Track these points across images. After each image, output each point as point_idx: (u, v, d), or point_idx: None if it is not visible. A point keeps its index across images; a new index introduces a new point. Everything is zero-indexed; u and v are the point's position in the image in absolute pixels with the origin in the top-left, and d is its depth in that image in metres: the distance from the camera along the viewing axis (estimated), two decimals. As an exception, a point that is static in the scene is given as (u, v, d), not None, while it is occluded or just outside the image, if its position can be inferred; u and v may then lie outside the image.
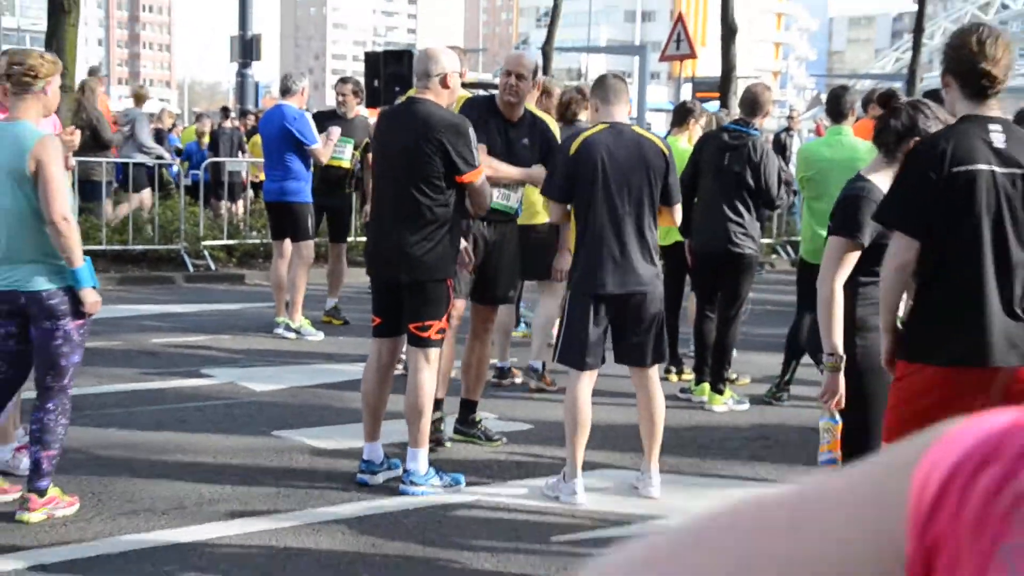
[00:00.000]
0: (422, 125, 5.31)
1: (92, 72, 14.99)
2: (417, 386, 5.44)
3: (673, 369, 8.15)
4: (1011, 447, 0.60)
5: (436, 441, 6.09)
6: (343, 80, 10.04)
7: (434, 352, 5.49)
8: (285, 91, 9.35)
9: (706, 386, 7.50)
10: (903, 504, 0.62)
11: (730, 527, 0.68)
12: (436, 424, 6.22)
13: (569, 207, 5.48)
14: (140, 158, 13.87)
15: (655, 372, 5.58)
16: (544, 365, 7.74)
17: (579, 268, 5.40)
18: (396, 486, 5.45)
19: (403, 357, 6.40)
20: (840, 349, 3.90)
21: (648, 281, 5.39)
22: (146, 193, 13.94)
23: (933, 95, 6.41)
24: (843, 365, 4.02)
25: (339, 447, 6.14)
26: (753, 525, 0.67)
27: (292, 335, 9.32)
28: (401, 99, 8.28)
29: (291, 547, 4.69)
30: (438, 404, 6.20)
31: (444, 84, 5.45)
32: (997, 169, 3.62)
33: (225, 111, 18.13)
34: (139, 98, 15.24)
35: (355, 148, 9.66)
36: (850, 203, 4.14)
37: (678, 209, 5.62)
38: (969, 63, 3.67)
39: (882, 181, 4.07)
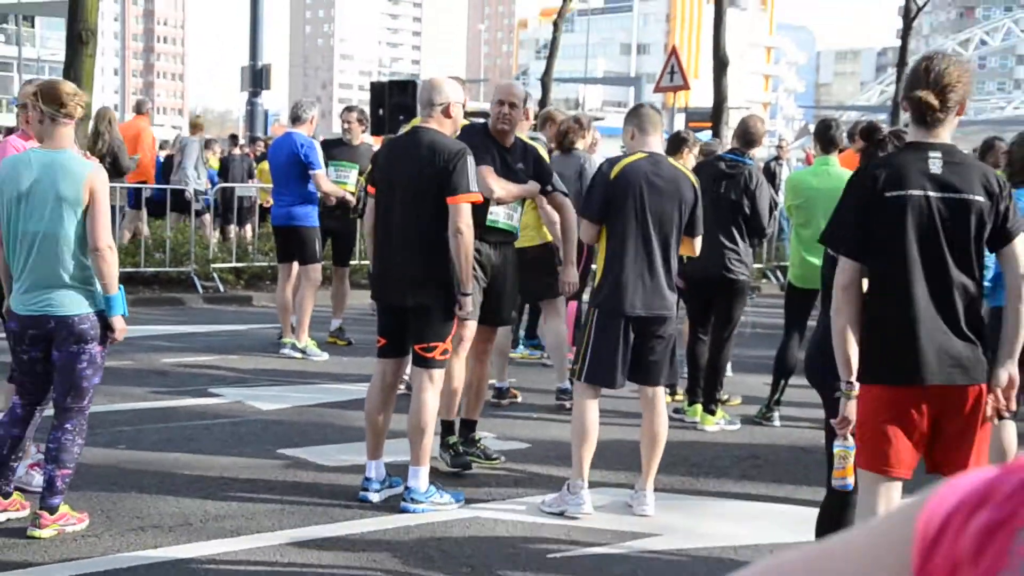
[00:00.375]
0: (427, 152, 5.49)
1: (139, 105, 15.44)
2: (421, 405, 5.59)
3: (667, 390, 8.29)
4: (1001, 491, 0.68)
5: (463, 465, 6.25)
6: (348, 109, 10.36)
7: (438, 372, 5.65)
8: (295, 119, 9.58)
9: (698, 407, 7.66)
10: (910, 547, 0.71)
11: None
12: (470, 442, 6.41)
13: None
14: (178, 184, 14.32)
15: (662, 392, 5.77)
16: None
17: (607, 288, 5.57)
18: (398, 504, 5.61)
19: (406, 377, 6.56)
20: (855, 375, 3.92)
21: (671, 306, 5.65)
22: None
23: None
24: (855, 394, 3.98)
25: (342, 465, 6.30)
26: None
27: (298, 355, 9.50)
28: (405, 128, 8.51)
29: (295, 563, 4.84)
30: (450, 426, 6.37)
31: (447, 114, 5.64)
32: (932, 194, 3.77)
33: (234, 138, 18.39)
34: (195, 127, 15.60)
35: (360, 174, 9.88)
36: None
37: (699, 241, 5.87)
38: (913, 90, 3.83)
39: None
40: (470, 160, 5.52)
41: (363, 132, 10.27)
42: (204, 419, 7.27)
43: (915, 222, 3.79)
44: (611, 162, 5.73)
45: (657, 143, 5.82)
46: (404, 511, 5.54)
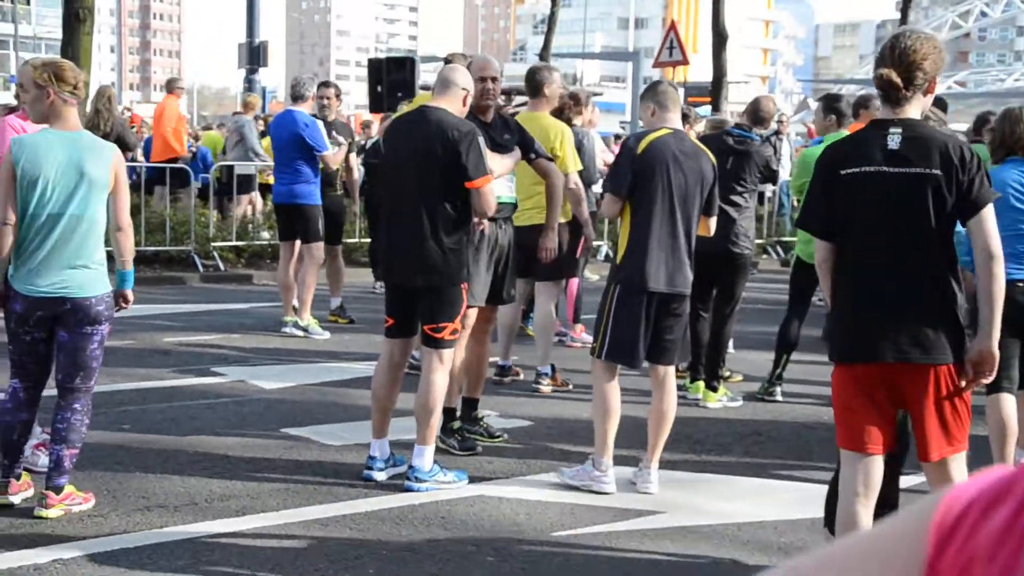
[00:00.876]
0: (435, 132, 5.46)
1: (170, 84, 15.72)
2: (429, 385, 5.60)
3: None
4: (1020, 487, 0.65)
5: (470, 448, 6.29)
6: (325, 84, 10.46)
7: (447, 353, 5.66)
8: (296, 97, 9.56)
9: (701, 384, 7.67)
10: (924, 542, 0.68)
11: None
12: (473, 421, 6.46)
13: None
14: (241, 165, 14.46)
15: (673, 371, 5.78)
16: (554, 367, 7.92)
17: (631, 264, 5.56)
18: (402, 482, 5.63)
19: (413, 358, 6.58)
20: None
21: (690, 284, 5.67)
22: (254, 196, 14.98)
23: (936, 101, 6.59)
24: None
25: (346, 443, 6.32)
26: None
27: (300, 333, 9.52)
28: (404, 105, 8.51)
29: (300, 541, 4.86)
30: (452, 412, 6.39)
31: (463, 101, 5.65)
32: (888, 169, 3.80)
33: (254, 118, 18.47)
34: (248, 106, 15.65)
35: (347, 150, 9.98)
36: None
37: (714, 221, 5.88)
38: (879, 67, 3.85)
39: None
40: (481, 141, 5.52)
41: (339, 107, 10.49)
42: (207, 399, 7.29)
43: (870, 198, 3.84)
44: (637, 137, 5.73)
45: (676, 119, 5.80)
46: (408, 490, 5.55)
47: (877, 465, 3.94)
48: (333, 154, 9.50)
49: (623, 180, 5.57)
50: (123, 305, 5.26)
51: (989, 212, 3.82)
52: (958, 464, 3.92)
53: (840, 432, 3.98)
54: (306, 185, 9.46)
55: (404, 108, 8.32)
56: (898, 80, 3.80)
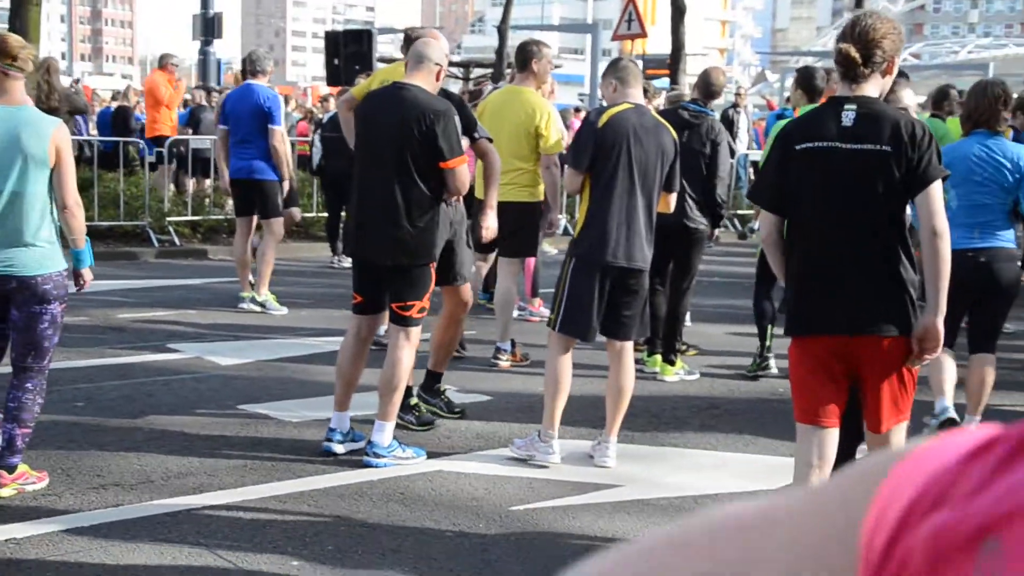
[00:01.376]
0: (410, 108, 5.40)
1: (161, 59, 15.49)
2: (395, 362, 5.59)
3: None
4: (968, 481, 0.54)
5: (428, 423, 6.31)
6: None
7: (415, 331, 5.65)
8: (255, 72, 9.44)
9: (658, 357, 7.70)
10: (855, 539, 0.57)
11: (685, 544, 0.64)
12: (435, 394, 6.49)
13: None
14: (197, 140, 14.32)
15: (631, 346, 5.79)
16: (513, 343, 7.92)
17: (590, 238, 5.55)
18: (361, 458, 5.62)
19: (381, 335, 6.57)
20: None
21: (648, 259, 5.66)
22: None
23: (900, 73, 6.66)
24: None
25: (303, 420, 6.29)
26: (708, 541, 0.64)
27: (257, 308, 9.46)
28: (362, 79, 8.46)
29: (258, 519, 4.85)
30: (408, 389, 6.40)
31: (437, 76, 5.61)
32: (840, 145, 3.86)
33: (208, 91, 18.24)
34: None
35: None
36: None
37: (673, 197, 5.86)
38: (837, 43, 3.90)
39: None
40: (457, 120, 5.49)
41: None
42: (163, 375, 7.23)
43: (821, 173, 3.90)
44: (598, 112, 5.70)
45: (638, 95, 5.79)
46: (366, 465, 5.55)
47: (832, 438, 3.99)
48: (284, 133, 9.44)
49: (584, 154, 5.55)
50: (81, 285, 5.14)
51: (936, 189, 3.86)
52: (899, 432, 4.01)
53: (796, 406, 4.03)
54: (266, 160, 9.37)
55: (362, 81, 8.27)
56: (856, 55, 3.85)
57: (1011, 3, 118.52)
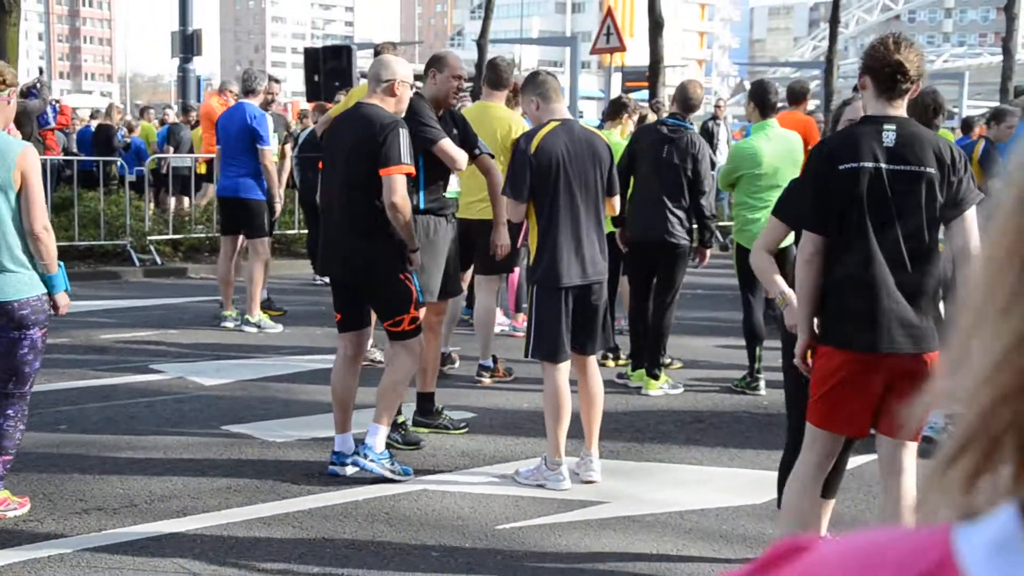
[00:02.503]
0: (363, 126, 5.49)
1: (222, 85, 15.46)
2: (396, 367, 5.64)
3: (610, 355, 8.35)
4: None
5: (415, 442, 6.29)
6: (272, 80, 10.23)
7: (415, 341, 5.68)
8: (248, 91, 9.46)
9: (642, 371, 7.71)
10: None
11: None
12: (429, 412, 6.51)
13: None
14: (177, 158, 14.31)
15: (595, 358, 5.81)
16: (495, 359, 7.91)
17: (544, 262, 5.56)
18: (342, 480, 5.60)
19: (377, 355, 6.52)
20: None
21: (604, 271, 5.68)
22: (208, 188, 14.57)
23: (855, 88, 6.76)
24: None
25: (288, 440, 6.27)
26: None
27: (253, 329, 9.43)
28: (342, 95, 8.48)
29: (242, 541, 4.82)
30: (430, 397, 6.45)
31: (390, 91, 5.64)
32: (884, 166, 3.87)
33: (186, 109, 18.21)
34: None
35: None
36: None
37: (616, 200, 5.85)
38: (884, 61, 3.87)
39: None
40: (403, 132, 5.49)
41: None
42: (146, 396, 7.19)
43: (867, 193, 3.89)
44: (527, 137, 5.67)
45: (563, 109, 5.78)
46: (355, 465, 5.58)
47: (841, 444, 4.10)
48: (272, 154, 9.46)
49: (522, 184, 5.54)
50: (57, 312, 4.98)
51: (972, 214, 3.89)
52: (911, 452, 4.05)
53: (819, 413, 4.03)
54: (253, 179, 9.38)
55: (342, 97, 8.28)
56: (910, 67, 3.86)
57: (984, 12, 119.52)
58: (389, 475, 5.58)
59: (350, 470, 5.66)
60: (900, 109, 3.93)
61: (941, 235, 4.08)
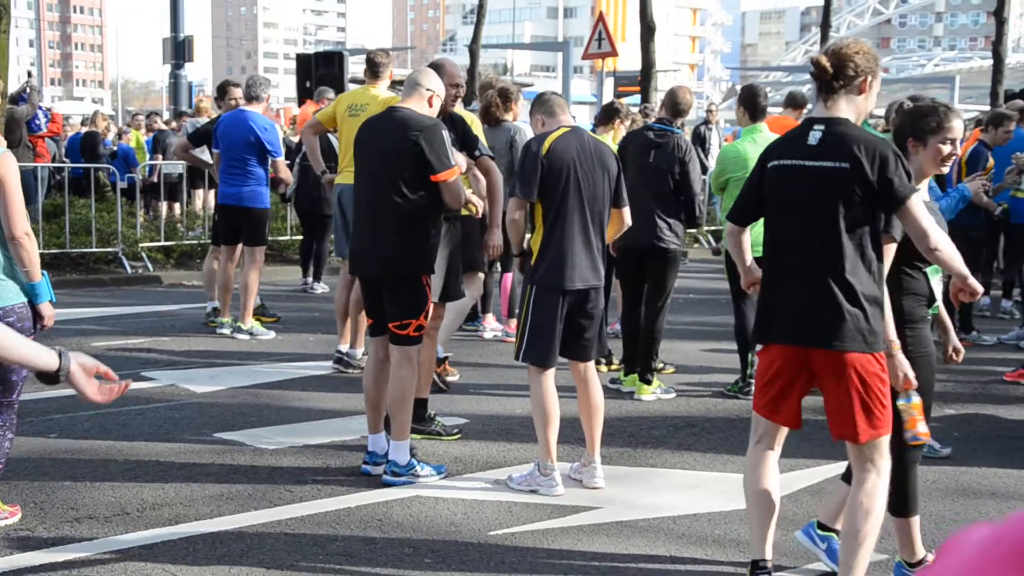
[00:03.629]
0: (399, 127, 5.56)
1: (318, 93, 15.37)
2: (397, 381, 5.66)
3: (603, 360, 8.35)
4: None
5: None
6: (234, 85, 10.16)
7: (415, 349, 5.70)
8: (251, 97, 9.45)
9: (635, 376, 7.71)
10: None
11: None
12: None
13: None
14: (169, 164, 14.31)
15: (593, 364, 5.82)
16: (447, 359, 7.92)
17: (545, 264, 5.58)
18: (338, 485, 5.59)
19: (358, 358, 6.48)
20: (894, 335, 4.16)
21: (602, 277, 5.70)
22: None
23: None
24: (898, 351, 4.21)
25: (280, 447, 6.26)
26: None
27: (245, 336, 9.42)
28: (329, 95, 8.50)
29: (234, 549, 4.81)
30: (423, 403, 6.43)
31: (430, 102, 5.74)
32: (807, 163, 4.00)
33: (179, 115, 18.19)
34: (200, 110, 15.22)
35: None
36: None
37: (627, 211, 5.90)
38: (814, 70, 4.07)
39: None
40: (446, 135, 5.59)
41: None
42: (138, 404, 7.18)
43: (785, 189, 4.06)
44: (539, 140, 5.72)
45: (569, 120, 5.88)
46: (386, 484, 5.62)
47: (777, 429, 4.32)
48: (285, 162, 9.51)
49: (532, 185, 5.58)
50: (42, 323, 4.84)
51: (912, 206, 3.92)
52: (877, 447, 4.10)
53: (756, 400, 4.31)
54: (257, 187, 9.39)
55: (341, 99, 8.26)
56: (827, 64, 3.98)
57: (975, 17, 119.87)
58: (422, 481, 5.66)
59: (381, 469, 5.73)
60: (837, 109, 4.02)
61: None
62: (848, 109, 4.02)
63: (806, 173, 3.98)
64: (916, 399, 4.22)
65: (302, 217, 12.28)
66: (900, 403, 4.19)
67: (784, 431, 4.34)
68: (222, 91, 9.94)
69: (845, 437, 4.08)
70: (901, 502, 4.42)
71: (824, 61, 3.99)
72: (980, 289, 4.17)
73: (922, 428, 4.27)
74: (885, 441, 4.09)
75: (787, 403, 4.15)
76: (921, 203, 3.97)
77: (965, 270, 4.08)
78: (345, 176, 7.90)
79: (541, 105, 5.89)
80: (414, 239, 5.58)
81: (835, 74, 3.98)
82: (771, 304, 4.12)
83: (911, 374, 4.15)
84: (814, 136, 3.99)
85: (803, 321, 3.99)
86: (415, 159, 5.50)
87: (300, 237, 12.82)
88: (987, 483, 6.00)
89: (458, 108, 6.93)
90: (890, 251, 4.17)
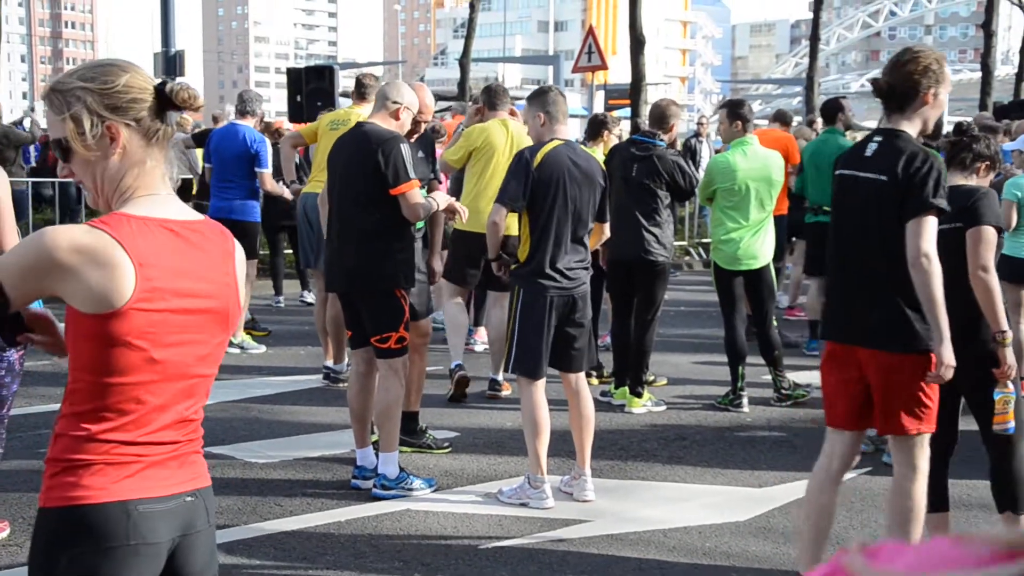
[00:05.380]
0: (361, 142, 5.61)
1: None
2: (384, 394, 5.67)
3: (594, 372, 8.34)
4: None
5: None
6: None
7: (399, 361, 5.71)
8: (244, 112, 9.47)
9: (626, 389, 7.71)
10: None
11: None
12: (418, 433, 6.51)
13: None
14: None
15: (584, 376, 5.82)
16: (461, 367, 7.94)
17: (531, 274, 5.61)
18: (327, 500, 5.58)
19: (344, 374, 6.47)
20: (1006, 325, 4.39)
21: (585, 281, 5.73)
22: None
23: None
24: (1010, 340, 4.42)
25: (270, 461, 6.25)
26: None
27: (235, 350, 9.40)
28: (325, 114, 8.55)
29: (224, 563, 4.78)
30: (413, 416, 6.45)
31: (395, 115, 5.76)
32: (861, 174, 4.16)
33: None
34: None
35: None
36: (992, 201, 4.61)
37: (607, 227, 5.99)
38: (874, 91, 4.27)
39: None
40: (404, 147, 5.59)
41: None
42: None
43: (843, 198, 4.28)
44: (532, 150, 5.74)
45: (567, 131, 5.91)
46: (376, 497, 5.62)
47: (842, 438, 4.32)
48: (271, 175, 9.51)
49: (519, 194, 5.61)
50: (33, 340, 4.89)
51: (924, 222, 4.00)
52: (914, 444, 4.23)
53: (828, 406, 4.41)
54: (249, 201, 9.40)
55: (325, 115, 8.30)
56: (885, 84, 4.15)
57: (964, 29, 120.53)
58: (413, 495, 5.65)
59: (371, 483, 5.73)
60: (898, 122, 4.18)
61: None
62: (911, 123, 4.15)
63: (857, 183, 4.17)
64: (1010, 391, 4.41)
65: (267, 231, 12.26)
66: (999, 395, 4.40)
67: (858, 450, 4.43)
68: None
69: (892, 431, 4.23)
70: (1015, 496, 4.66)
71: (883, 82, 4.15)
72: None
73: (1012, 422, 4.44)
74: (925, 439, 4.23)
75: (844, 404, 4.28)
76: (932, 228, 4.03)
77: (936, 297, 4.04)
78: (312, 186, 8.01)
79: (546, 103, 5.79)
80: (377, 252, 5.59)
81: (894, 93, 4.13)
82: (831, 305, 4.37)
83: (1014, 366, 4.37)
84: (871, 148, 4.19)
85: (851, 322, 4.19)
86: (373, 172, 5.52)
87: (290, 251, 12.79)
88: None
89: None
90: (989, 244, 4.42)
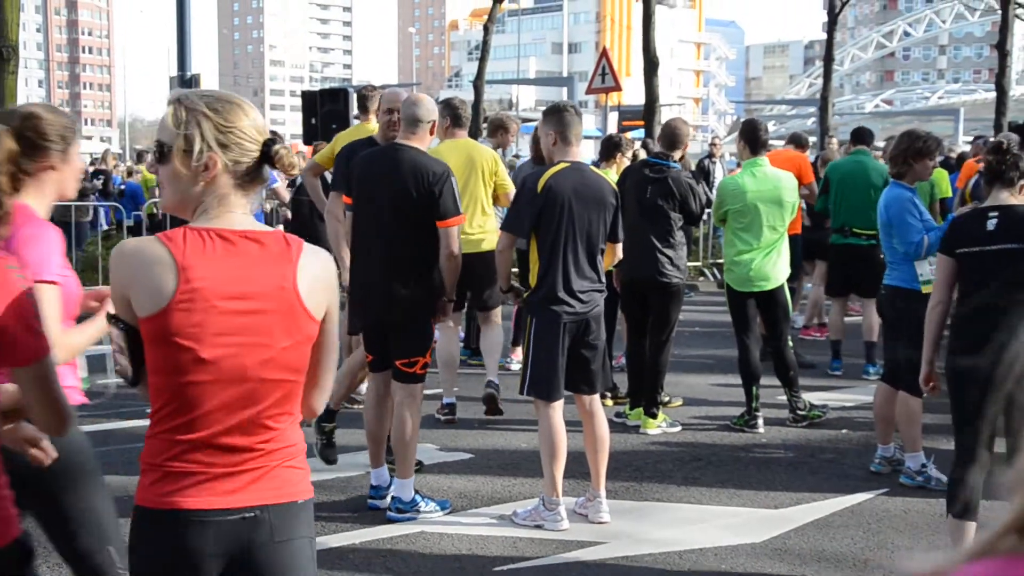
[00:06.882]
0: (411, 172, 5.56)
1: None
2: (402, 421, 5.66)
3: (608, 394, 8.32)
4: None
5: (328, 459, 6.37)
6: None
7: (419, 387, 5.73)
8: None
9: (640, 410, 7.68)
10: None
11: None
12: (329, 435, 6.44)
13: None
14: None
15: (598, 397, 5.81)
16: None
17: (543, 297, 5.60)
18: (344, 522, 5.57)
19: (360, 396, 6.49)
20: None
21: (599, 303, 5.70)
22: None
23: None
24: None
25: (285, 484, 6.23)
26: None
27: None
28: (340, 134, 8.54)
29: (238, 586, 4.78)
30: (332, 414, 6.40)
31: (431, 132, 5.78)
32: (986, 248, 4.73)
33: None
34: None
35: None
36: None
37: (619, 247, 5.94)
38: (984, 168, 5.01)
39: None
40: (454, 181, 5.63)
41: None
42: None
43: (974, 270, 4.76)
44: (535, 175, 5.73)
45: (579, 153, 5.85)
46: (390, 520, 5.62)
47: None
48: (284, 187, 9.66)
49: (523, 223, 5.63)
50: None
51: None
52: None
53: None
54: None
55: (339, 136, 8.29)
56: (995, 162, 4.82)
57: (978, 49, 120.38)
58: (426, 517, 5.67)
59: (388, 502, 5.76)
60: (1004, 197, 4.83)
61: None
62: (1013, 196, 4.80)
63: (987, 256, 4.66)
64: None
65: None
66: None
67: None
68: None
69: None
70: None
71: (992, 160, 4.83)
72: None
73: None
74: None
75: None
76: None
77: None
78: None
79: (561, 124, 5.70)
80: (426, 280, 5.63)
81: (1000, 173, 4.79)
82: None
83: None
84: (991, 223, 4.70)
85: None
86: (425, 203, 5.54)
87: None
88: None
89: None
90: None
